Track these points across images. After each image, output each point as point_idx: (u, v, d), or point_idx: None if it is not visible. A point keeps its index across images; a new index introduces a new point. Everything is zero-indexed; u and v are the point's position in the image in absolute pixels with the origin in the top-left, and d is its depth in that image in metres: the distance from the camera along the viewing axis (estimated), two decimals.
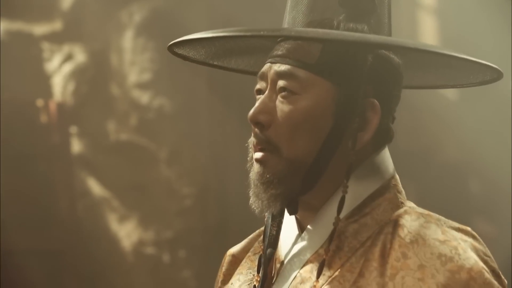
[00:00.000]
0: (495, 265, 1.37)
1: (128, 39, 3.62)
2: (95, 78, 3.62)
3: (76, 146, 3.60)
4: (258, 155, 1.40)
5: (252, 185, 1.41)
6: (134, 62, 3.62)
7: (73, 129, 3.60)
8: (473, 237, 1.39)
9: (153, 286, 3.61)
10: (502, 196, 3.68)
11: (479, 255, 1.35)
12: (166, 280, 3.60)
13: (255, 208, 1.40)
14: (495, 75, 1.45)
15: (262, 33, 1.34)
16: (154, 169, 3.62)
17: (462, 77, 1.50)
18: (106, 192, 3.61)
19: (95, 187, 3.60)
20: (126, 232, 3.59)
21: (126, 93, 3.62)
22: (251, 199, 1.41)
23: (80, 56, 3.62)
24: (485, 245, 1.39)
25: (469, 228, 1.40)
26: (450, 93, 3.73)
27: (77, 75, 3.61)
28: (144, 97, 3.62)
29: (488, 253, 1.38)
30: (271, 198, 1.38)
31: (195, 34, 1.40)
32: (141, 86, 3.63)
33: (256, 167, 1.40)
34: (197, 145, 3.64)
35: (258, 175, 1.39)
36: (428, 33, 3.83)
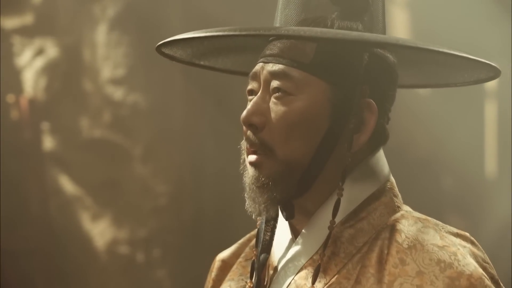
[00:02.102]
0: (494, 271, 1.36)
1: (101, 34, 3.58)
2: (68, 73, 3.58)
3: (48, 142, 3.56)
4: (252, 158, 1.36)
5: (248, 189, 1.37)
6: (107, 57, 3.58)
7: (45, 126, 3.56)
8: (472, 242, 1.37)
9: (127, 285, 3.58)
10: (474, 191, 3.70)
11: (478, 261, 1.34)
12: (140, 279, 3.57)
13: (252, 212, 1.37)
14: (492, 74, 1.44)
15: (258, 32, 1.32)
16: (128, 166, 3.58)
17: (456, 76, 1.49)
18: (79, 190, 3.57)
19: (68, 185, 3.56)
20: (99, 231, 3.56)
21: (99, 88, 3.58)
22: (247, 203, 1.37)
23: (52, 51, 3.58)
24: (484, 251, 1.38)
25: (467, 234, 1.38)
26: (422, 88, 3.74)
27: (49, 70, 3.57)
28: (118, 93, 3.59)
29: (487, 259, 1.36)
30: (268, 201, 1.35)
31: (187, 33, 1.37)
32: (115, 81, 3.59)
33: (250, 171, 1.37)
34: (172, 142, 3.61)
35: (253, 179, 1.36)
36: (399, 28, 3.83)
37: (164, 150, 3.61)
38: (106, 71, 3.58)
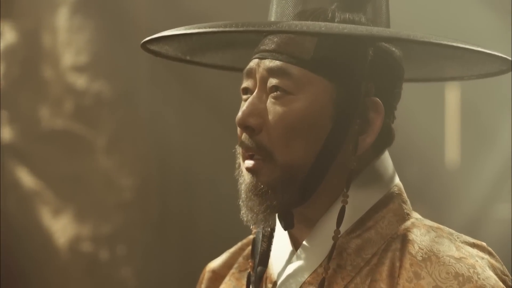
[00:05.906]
0: None
1: (62, 17, 3.51)
2: (26, 59, 3.50)
3: (6, 133, 3.49)
4: (249, 163, 1.28)
5: (244, 197, 1.29)
6: (69, 42, 3.51)
7: (2, 115, 3.48)
8: (490, 253, 1.31)
9: (90, 285, 3.54)
10: (437, 179, 3.73)
11: (497, 274, 1.27)
12: (104, 278, 3.53)
13: (249, 222, 1.29)
14: (504, 67, 1.37)
15: (258, 28, 1.24)
16: (91, 158, 3.53)
17: (464, 69, 1.44)
18: (39, 184, 3.51)
19: (26, 178, 3.50)
20: (60, 227, 3.49)
21: (60, 76, 3.51)
22: (243, 213, 1.29)
23: (9, 35, 3.50)
24: (502, 262, 1.31)
25: (484, 244, 1.32)
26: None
27: (7, 56, 3.49)
28: (80, 81, 3.52)
29: (506, 271, 1.30)
30: (267, 210, 1.27)
31: (178, 29, 1.28)
32: (77, 69, 3.53)
33: (247, 177, 1.29)
34: (137, 133, 3.56)
35: (250, 186, 1.28)
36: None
37: (129, 142, 3.55)
38: (68, 58, 3.50)
